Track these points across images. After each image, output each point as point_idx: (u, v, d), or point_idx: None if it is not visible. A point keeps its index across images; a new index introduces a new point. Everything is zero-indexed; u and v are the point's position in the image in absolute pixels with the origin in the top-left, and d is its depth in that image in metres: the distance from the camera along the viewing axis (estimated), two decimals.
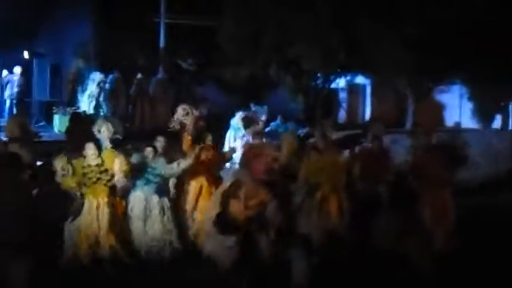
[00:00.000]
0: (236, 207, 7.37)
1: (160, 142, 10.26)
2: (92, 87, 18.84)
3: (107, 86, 19.12)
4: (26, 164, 7.97)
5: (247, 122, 15.15)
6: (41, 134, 14.99)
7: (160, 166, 9.85)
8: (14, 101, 19.01)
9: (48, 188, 9.23)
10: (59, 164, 9.48)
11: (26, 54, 20.05)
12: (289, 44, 20.22)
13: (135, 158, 9.90)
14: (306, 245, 8.49)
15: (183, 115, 11.01)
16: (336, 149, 10.93)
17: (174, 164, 9.86)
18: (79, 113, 17.13)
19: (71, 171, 9.38)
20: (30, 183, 8.04)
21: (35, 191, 8.16)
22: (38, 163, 8.72)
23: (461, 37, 18.44)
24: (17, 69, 19.45)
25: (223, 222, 7.37)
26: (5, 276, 7.10)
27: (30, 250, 7.40)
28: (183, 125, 10.89)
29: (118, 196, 9.74)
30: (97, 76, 18.88)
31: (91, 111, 18.46)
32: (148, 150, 9.95)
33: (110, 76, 19.28)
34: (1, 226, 6.97)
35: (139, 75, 19.43)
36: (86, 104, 18.92)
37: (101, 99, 18.85)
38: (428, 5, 18.97)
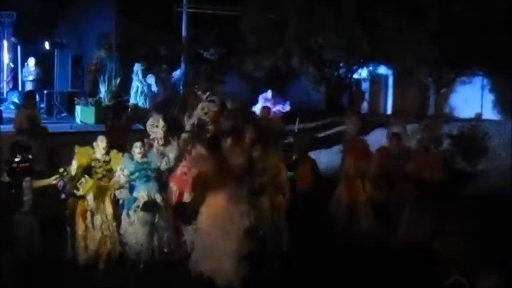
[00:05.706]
0: None
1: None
2: (134, 80, 18.89)
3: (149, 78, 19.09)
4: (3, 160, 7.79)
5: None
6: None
7: (154, 158, 9.39)
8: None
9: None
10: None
11: (47, 45, 20.01)
12: (312, 34, 20.10)
13: (126, 157, 9.33)
14: None
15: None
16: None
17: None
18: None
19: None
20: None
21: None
22: (16, 159, 8.18)
23: (483, 29, 18.29)
24: (31, 61, 19.44)
25: None
26: None
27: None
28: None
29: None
30: (136, 68, 18.86)
31: (133, 103, 18.67)
32: (137, 145, 9.33)
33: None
34: None
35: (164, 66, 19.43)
36: (132, 97, 18.95)
37: (142, 91, 18.83)
38: None
